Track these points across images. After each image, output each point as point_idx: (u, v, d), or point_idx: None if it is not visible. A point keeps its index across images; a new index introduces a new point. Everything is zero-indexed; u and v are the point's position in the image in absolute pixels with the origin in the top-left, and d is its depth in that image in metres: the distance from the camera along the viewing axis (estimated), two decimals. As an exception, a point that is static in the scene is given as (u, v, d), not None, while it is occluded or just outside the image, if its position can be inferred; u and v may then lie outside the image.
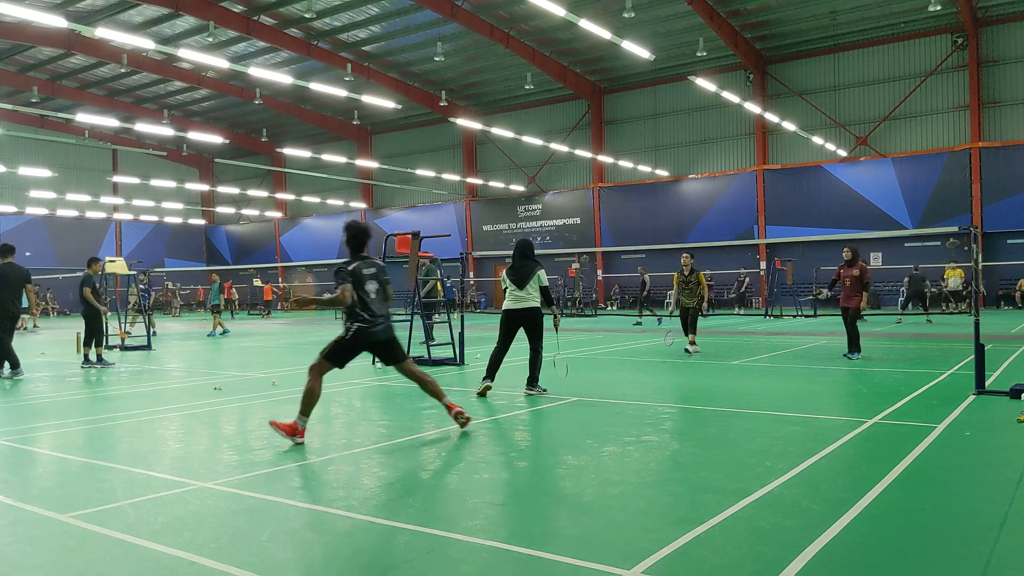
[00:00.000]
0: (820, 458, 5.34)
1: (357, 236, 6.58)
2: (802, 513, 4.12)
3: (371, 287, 6.47)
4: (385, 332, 6.56)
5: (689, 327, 13.50)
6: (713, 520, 3.98)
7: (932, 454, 5.44)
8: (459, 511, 4.38)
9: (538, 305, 8.62)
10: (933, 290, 27.42)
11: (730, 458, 5.43)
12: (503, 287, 8.96)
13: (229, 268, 49.30)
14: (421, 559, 3.56)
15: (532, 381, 8.74)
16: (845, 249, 12.39)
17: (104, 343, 13.85)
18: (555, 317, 9.04)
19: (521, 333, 8.80)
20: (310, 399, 6.24)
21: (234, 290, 36.81)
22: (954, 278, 25.56)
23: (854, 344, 11.94)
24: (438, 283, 16.84)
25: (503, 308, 8.84)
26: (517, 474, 5.23)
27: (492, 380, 8.72)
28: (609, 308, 36.66)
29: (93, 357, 13.31)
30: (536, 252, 9.02)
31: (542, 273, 8.67)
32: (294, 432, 6.15)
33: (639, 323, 24.27)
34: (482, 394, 8.60)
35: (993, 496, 4.40)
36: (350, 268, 6.39)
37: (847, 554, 3.51)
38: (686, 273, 13.46)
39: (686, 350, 13.32)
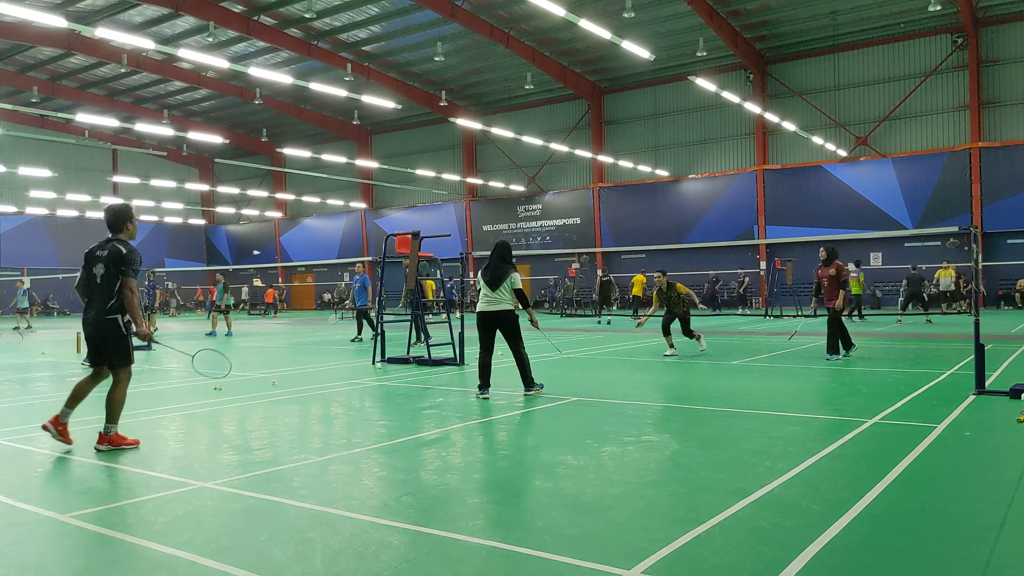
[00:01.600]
0: (820, 458, 5.34)
1: (105, 218, 6.20)
2: (802, 513, 4.12)
3: (97, 270, 5.99)
4: (89, 327, 6.02)
5: (685, 332, 13.49)
6: (713, 520, 3.98)
7: (932, 454, 5.44)
8: (459, 511, 4.38)
9: (511, 307, 8.55)
10: (933, 290, 27.39)
11: (730, 458, 5.43)
12: (476, 287, 8.93)
13: (229, 268, 49.31)
14: (421, 559, 3.56)
15: (527, 383, 8.71)
16: (821, 249, 12.42)
17: None
18: (531, 317, 8.95)
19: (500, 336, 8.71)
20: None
21: (245, 289, 36.27)
22: (945, 278, 25.46)
23: (834, 346, 11.89)
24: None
25: (477, 311, 8.74)
26: (517, 474, 5.23)
27: (488, 389, 8.61)
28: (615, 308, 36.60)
29: None
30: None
31: (516, 276, 8.62)
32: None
33: (608, 322, 25.18)
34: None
35: (993, 496, 4.39)
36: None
37: (847, 554, 3.51)
38: (665, 290, 13.38)
39: (666, 355, 12.93)
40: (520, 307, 8.70)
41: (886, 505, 4.23)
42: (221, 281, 22.79)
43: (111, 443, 6.02)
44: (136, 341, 6.19)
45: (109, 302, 5.96)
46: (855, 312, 22.86)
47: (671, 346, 13.22)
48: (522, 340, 8.70)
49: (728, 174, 35.16)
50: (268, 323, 31.06)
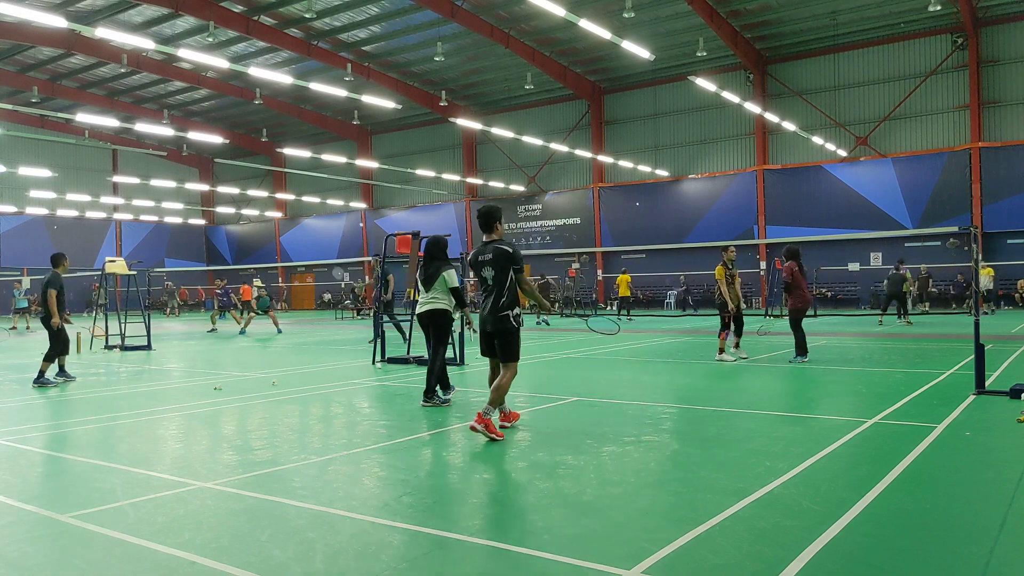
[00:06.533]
0: (820, 458, 5.34)
1: (479, 221, 6.65)
2: (802, 513, 4.12)
3: (486, 273, 6.49)
4: (487, 324, 6.52)
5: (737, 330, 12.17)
6: (713, 520, 3.98)
7: (932, 454, 5.44)
8: (459, 511, 4.38)
9: (443, 307, 7.96)
10: (933, 291, 27.27)
11: (730, 458, 5.43)
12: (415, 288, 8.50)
13: (229, 268, 49.29)
14: (421, 559, 3.56)
15: (427, 392, 8.07)
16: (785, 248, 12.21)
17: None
18: (465, 317, 8.26)
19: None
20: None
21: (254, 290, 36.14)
22: (985, 278, 25.15)
23: (798, 347, 11.67)
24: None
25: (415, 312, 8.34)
26: (517, 474, 5.23)
27: (450, 391, 8.36)
28: (609, 308, 36.65)
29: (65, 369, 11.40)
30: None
31: (447, 274, 7.94)
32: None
33: (547, 323, 26.04)
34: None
35: (993, 496, 4.40)
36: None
37: (847, 554, 3.51)
38: (731, 268, 11.97)
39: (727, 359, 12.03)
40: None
41: (886, 505, 4.23)
42: (264, 294, 23.36)
43: (486, 427, 6.18)
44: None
45: (500, 300, 6.39)
46: (900, 312, 21.67)
47: (736, 345, 12.15)
48: (444, 345, 8.16)
49: (728, 174, 35.15)
50: (268, 324, 30.98)
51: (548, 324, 25.83)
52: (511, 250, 6.41)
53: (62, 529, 4.10)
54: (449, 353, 12.70)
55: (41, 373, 10.65)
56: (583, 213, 39.16)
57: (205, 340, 20.33)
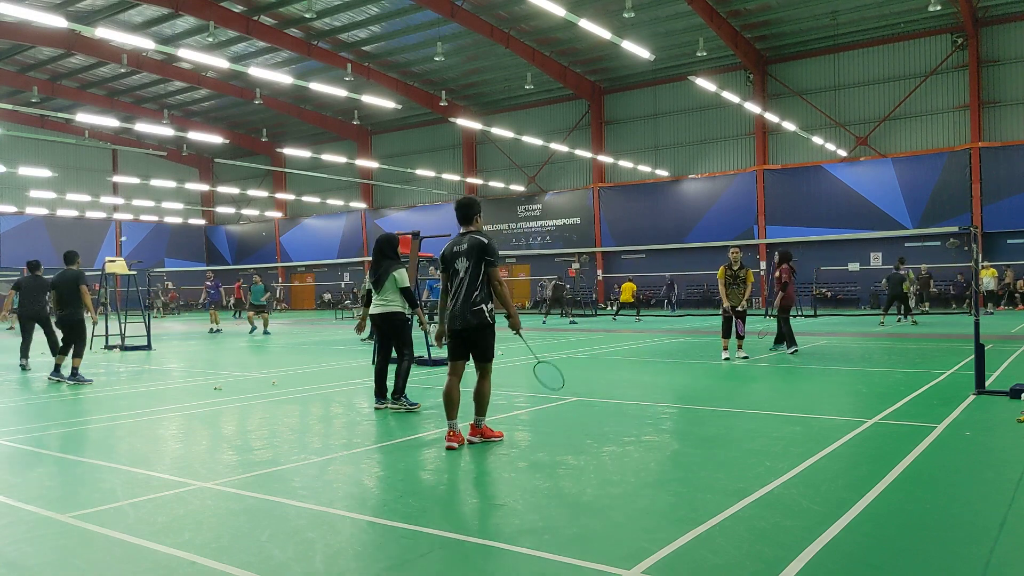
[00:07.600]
0: (820, 458, 5.34)
1: (457, 212, 6.23)
2: (802, 513, 4.12)
3: (460, 265, 6.02)
4: (458, 321, 5.98)
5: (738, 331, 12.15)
6: (713, 520, 3.98)
7: (932, 454, 5.44)
8: (459, 511, 4.38)
9: (397, 309, 7.79)
10: (933, 291, 27.24)
11: (730, 458, 5.43)
12: (366, 287, 8.20)
13: (229, 268, 49.31)
14: (421, 559, 3.56)
15: (395, 392, 7.83)
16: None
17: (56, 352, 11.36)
18: (420, 319, 8.06)
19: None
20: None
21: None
22: (988, 278, 25.24)
23: (789, 340, 13.07)
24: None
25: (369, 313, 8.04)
26: (517, 474, 5.22)
27: (384, 400, 7.93)
28: (608, 308, 36.65)
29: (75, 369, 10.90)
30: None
31: (397, 273, 7.79)
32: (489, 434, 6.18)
33: (572, 322, 26.57)
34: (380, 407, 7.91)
35: (993, 496, 4.39)
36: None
37: (847, 554, 3.51)
38: (735, 268, 12.13)
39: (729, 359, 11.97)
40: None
41: (886, 505, 4.23)
42: (259, 282, 23.10)
43: (483, 435, 6.13)
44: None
45: (475, 294, 5.93)
46: (903, 312, 21.73)
47: (739, 348, 12.19)
48: (409, 346, 7.99)
49: (728, 174, 35.16)
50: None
51: (575, 323, 25.91)
52: (486, 241, 5.99)
53: (62, 529, 4.10)
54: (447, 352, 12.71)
55: (75, 370, 10.70)
56: (583, 213, 39.17)
57: (205, 340, 20.32)
